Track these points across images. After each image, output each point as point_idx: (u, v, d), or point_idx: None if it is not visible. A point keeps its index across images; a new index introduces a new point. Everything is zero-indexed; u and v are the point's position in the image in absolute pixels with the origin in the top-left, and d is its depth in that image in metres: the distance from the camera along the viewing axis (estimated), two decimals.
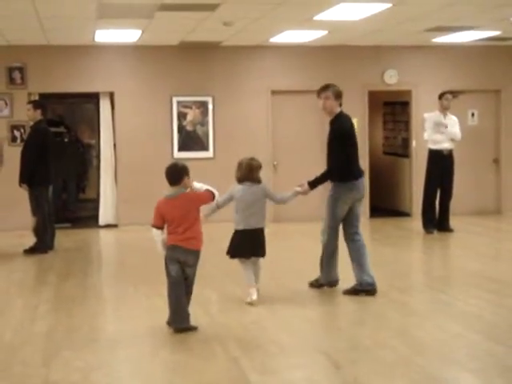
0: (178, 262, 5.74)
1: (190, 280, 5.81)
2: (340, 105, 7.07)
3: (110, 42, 12.10)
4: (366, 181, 7.85)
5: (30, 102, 10.14)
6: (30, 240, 9.96)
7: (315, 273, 7.29)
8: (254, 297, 6.62)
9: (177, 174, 5.79)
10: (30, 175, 9.79)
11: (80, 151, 14.30)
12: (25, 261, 9.51)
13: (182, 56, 12.62)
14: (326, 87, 7.08)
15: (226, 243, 6.68)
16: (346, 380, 4.67)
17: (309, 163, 12.89)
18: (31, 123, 10.10)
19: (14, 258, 9.67)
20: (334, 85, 7.13)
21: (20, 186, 9.92)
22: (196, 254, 5.79)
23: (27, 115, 10.11)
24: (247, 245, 6.65)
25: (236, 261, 6.78)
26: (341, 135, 6.97)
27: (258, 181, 6.77)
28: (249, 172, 6.75)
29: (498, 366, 4.90)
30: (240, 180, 6.78)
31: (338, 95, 7.04)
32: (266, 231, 6.86)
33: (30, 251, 9.81)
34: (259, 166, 6.83)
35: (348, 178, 7.02)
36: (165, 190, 5.90)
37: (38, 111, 9.92)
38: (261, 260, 6.85)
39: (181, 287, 5.76)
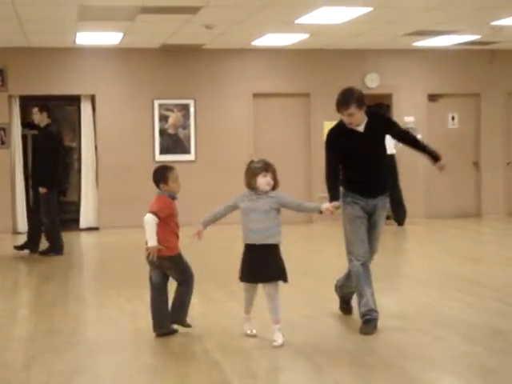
0: (157, 267, 5.71)
1: (177, 281, 5.78)
2: (364, 108, 5.88)
3: (91, 45, 12.07)
4: None
5: (35, 106, 10.05)
6: (11, 243, 9.90)
7: (298, 277, 7.26)
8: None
9: (154, 177, 5.82)
10: (41, 178, 9.80)
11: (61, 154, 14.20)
12: (5, 264, 9.45)
13: (164, 59, 12.61)
14: (346, 101, 5.75)
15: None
16: (327, 383, 4.68)
17: (291, 166, 12.92)
18: (17, 128, 10.05)
19: None
20: (353, 93, 5.81)
21: (38, 190, 9.86)
22: (169, 258, 5.65)
23: (34, 119, 10.04)
24: None
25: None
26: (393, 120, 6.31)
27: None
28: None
29: (478, 368, 4.93)
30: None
31: (362, 103, 5.81)
32: None
33: (45, 253, 9.83)
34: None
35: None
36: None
37: (45, 114, 9.91)
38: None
39: (161, 293, 5.73)
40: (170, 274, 5.77)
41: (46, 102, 10.47)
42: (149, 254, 5.57)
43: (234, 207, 5.70)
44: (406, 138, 6.21)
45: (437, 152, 6.11)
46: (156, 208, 5.57)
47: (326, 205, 5.70)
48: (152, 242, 5.52)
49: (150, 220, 5.52)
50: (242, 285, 5.78)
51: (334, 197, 5.85)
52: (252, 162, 5.70)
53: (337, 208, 5.74)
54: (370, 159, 5.95)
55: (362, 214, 5.95)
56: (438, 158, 6.09)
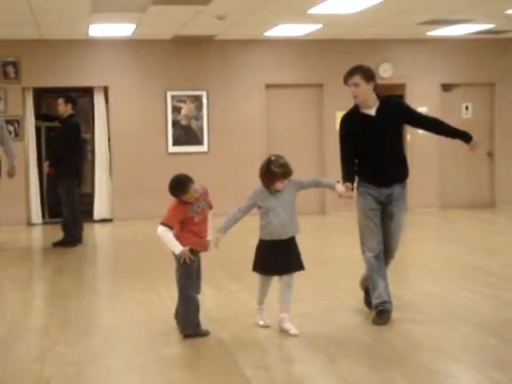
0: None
1: (176, 274, 5.62)
2: (375, 89, 5.84)
3: (104, 37, 12.08)
4: None
5: (60, 97, 10.12)
6: (24, 235, 9.95)
7: (312, 268, 7.25)
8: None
9: (171, 189, 5.50)
10: (62, 168, 9.87)
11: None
12: (19, 255, 9.50)
13: (176, 50, 12.60)
14: (351, 71, 5.80)
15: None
16: (340, 374, 4.68)
17: (304, 157, 12.90)
18: (31, 120, 10.11)
19: (9, 252, 9.66)
20: (361, 65, 5.90)
21: (54, 178, 10.13)
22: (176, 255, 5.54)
23: (58, 110, 10.12)
24: None
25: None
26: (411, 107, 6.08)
27: None
28: None
29: (492, 359, 4.91)
30: None
31: (370, 77, 5.80)
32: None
33: (60, 244, 9.85)
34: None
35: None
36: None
37: (69, 105, 10.01)
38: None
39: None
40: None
41: (71, 94, 10.53)
42: (184, 261, 5.44)
43: (253, 206, 5.61)
44: (431, 123, 6.03)
45: (467, 132, 5.90)
46: (164, 219, 5.46)
47: (340, 187, 5.55)
48: (177, 249, 5.42)
49: (161, 232, 5.42)
50: (259, 278, 5.76)
51: (348, 180, 5.68)
52: (271, 161, 5.49)
53: (351, 189, 5.58)
54: (382, 145, 5.78)
55: (374, 206, 5.82)
56: (470, 137, 5.87)
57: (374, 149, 5.80)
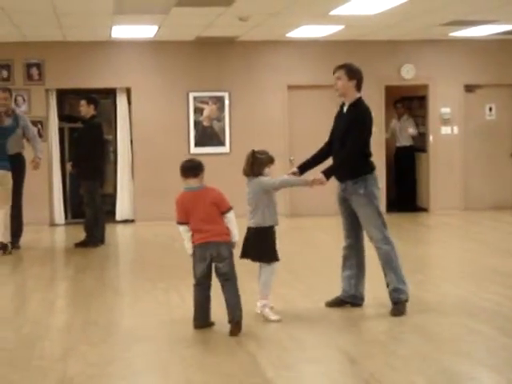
0: (207, 259, 5.70)
1: (227, 275, 5.73)
2: (358, 89, 6.20)
3: (126, 38, 12.14)
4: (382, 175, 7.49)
5: (83, 98, 10.21)
6: (47, 235, 10.02)
7: (331, 267, 7.27)
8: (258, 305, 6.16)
9: (199, 168, 5.77)
10: (84, 169, 9.96)
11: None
12: (42, 255, 9.57)
13: (199, 51, 12.62)
14: (338, 66, 6.25)
15: (242, 237, 6.55)
16: (361, 375, 4.67)
17: None
18: (54, 121, 10.18)
19: (32, 252, 9.73)
20: (350, 64, 6.30)
21: (77, 179, 10.33)
22: (228, 246, 5.69)
23: (81, 111, 10.21)
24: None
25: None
26: (364, 121, 6.11)
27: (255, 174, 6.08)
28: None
29: None
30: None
31: (352, 76, 6.15)
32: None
33: (82, 245, 9.93)
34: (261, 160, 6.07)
35: (372, 168, 6.18)
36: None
37: (92, 106, 10.06)
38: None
39: (203, 288, 5.76)
40: (221, 267, 5.69)
41: (93, 95, 10.60)
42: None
43: None
44: (337, 145, 6.21)
45: (328, 171, 6.07)
46: (229, 203, 5.70)
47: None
48: (238, 235, 5.75)
49: (234, 217, 5.72)
50: (276, 266, 6.13)
51: (299, 165, 6.42)
52: (255, 152, 6.05)
53: (293, 173, 6.29)
54: (340, 141, 6.14)
55: (340, 197, 6.27)
56: (325, 174, 6.02)
57: (335, 143, 6.24)
